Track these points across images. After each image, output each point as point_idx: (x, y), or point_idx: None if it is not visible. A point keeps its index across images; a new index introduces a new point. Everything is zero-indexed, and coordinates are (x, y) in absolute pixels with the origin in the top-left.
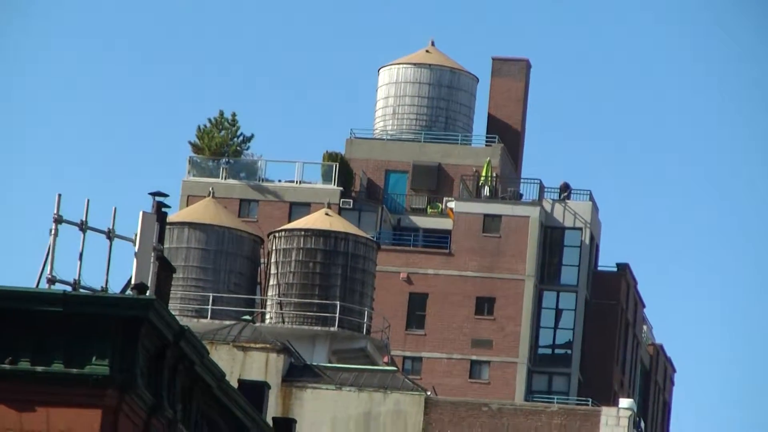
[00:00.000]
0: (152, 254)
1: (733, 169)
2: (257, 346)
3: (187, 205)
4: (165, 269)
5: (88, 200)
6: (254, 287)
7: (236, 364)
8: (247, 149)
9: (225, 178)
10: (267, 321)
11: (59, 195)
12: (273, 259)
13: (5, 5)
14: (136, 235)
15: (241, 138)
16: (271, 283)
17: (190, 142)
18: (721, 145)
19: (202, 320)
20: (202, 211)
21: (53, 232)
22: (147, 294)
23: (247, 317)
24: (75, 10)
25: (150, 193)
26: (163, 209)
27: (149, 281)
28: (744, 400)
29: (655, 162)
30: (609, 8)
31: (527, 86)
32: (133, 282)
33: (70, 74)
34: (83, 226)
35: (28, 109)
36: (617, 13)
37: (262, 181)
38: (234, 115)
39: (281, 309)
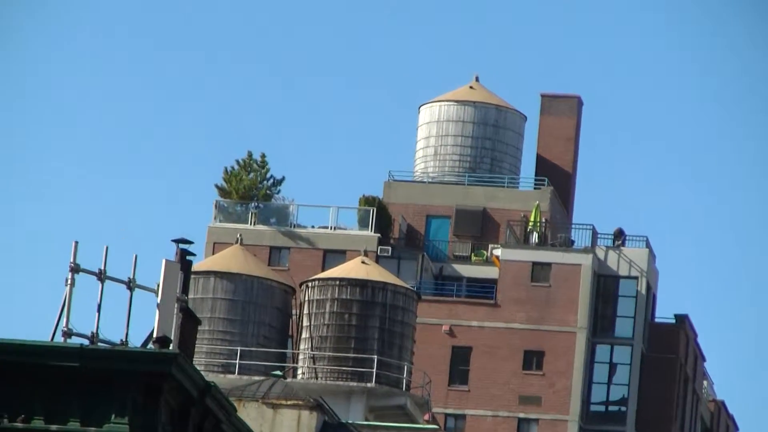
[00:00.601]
0: (176, 305)
1: None
2: (288, 403)
3: (213, 253)
4: (189, 321)
5: (107, 248)
6: (285, 340)
7: (266, 423)
8: (278, 193)
9: (254, 224)
10: (299, 376)
11: (76, 242)
12: (305, 311)
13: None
14: (158, 285)
15: (271, 181)
16: (303, 336)
17: (216, 186)
18: None
19: (229, 376)
20: (229, 259)
21: (69, 281)
22: (170, 348)
23: (278, 372)
24: (98, 44)
25: (173, 240)
26: (188, 257)
27: (172, 334)
28: None
29: (715, 205)
30: (663, 41)
31: (579, 124)
32: (155, 335)
33: (90, 111)
34: (102, 276)
35: (46, 149)
36: (672, 45)
37: (294, 227)
38: (263, 156)
39: (314, 363)
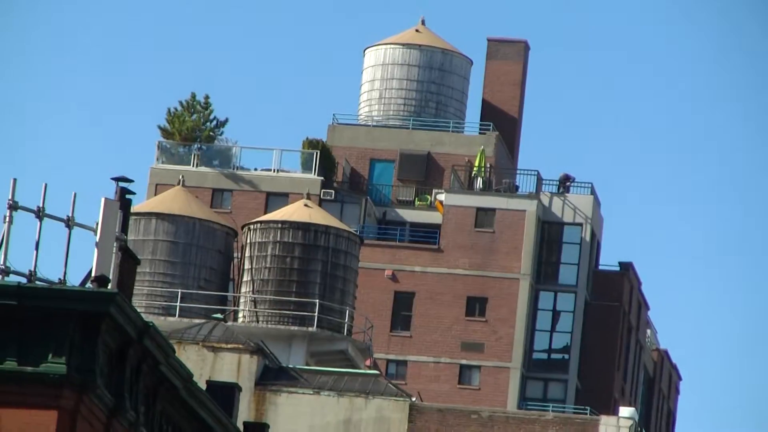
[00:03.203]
0: (115, 244)
1: (749, 162)
2: (229, 346)
3: (156, 194)
4: (128, 261)
5: (46, 185)
6: (226, 283)
7: (206, 366)
8: (221, 135)
9: (196, 166)
10: (240, 320)
11: (14, 179)
12: (247, 254)
13: None
14: (97, 224)
15: (214, 122)
16: (244, 279)
17: (159, 127)
18: (735, 136)
19: (170, 318)
20: (171, 201)
21: (7, 219)
22: (108, 287)
23: (218, 315)
24: None
25: (113, 179)
26: (128, 196)
27: (111, 274)
28: (755, 410)
29: (662, 154)
30: None
31: (525, 70)
32: (93, 274)
33: (35, 47)
34: (40, 213)
35: None
36: None
37: (237, 169)
38: (207, 97)
39: (255, 307)
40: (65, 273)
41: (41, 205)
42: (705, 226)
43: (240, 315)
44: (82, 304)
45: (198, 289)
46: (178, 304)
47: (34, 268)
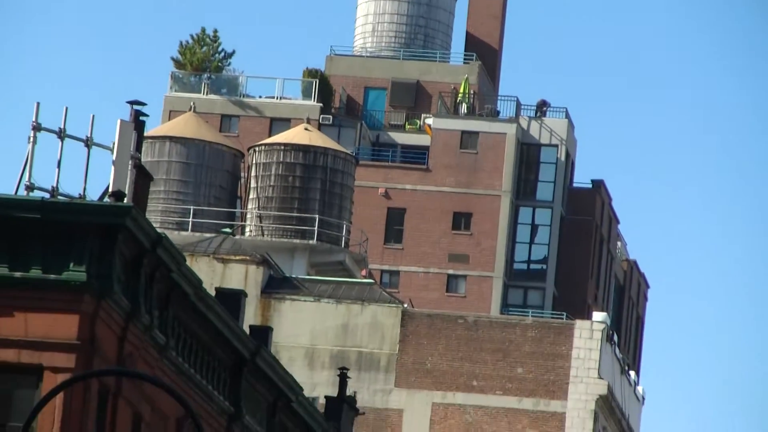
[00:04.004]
0: (130, 162)
1: (713, 82)
2: (236, 258)
3: (169, 120)
4: (142, 177)
5: (67, 108)
6: (234, 201)
7: (216, 276)
8: (229, 65)
9: (206, 94)
10: (247, 234)
11: (38, 103)
12: (253, 173)
13: None
14: (113, 144)
15: (222, 54)
16: (251, 196)
17: (172, 58)
18: (701, 65)
19: (183, 233)
20: (183, 126)
21: (32, 139)
22: (124, 201)
23: (227, 230)
24: None
25: (128, 102)
26: (141, 118)
27: (127, 189)
28: (716, 316)
29: (632, 79)
30: None
31: (505, 4)
32: (110, 189)
33: None
34: (62, 134)
35: (10, 16)
36: None
37: (243, 96)
38: (215, 31)
39: (261, 222)
40: (85, 189)
41: (62, 127)
42: (672, 143)
43: (247, 229)
44: (101, 217)
45: (208, 206)
46: (190, 219)
47: (57, 185)
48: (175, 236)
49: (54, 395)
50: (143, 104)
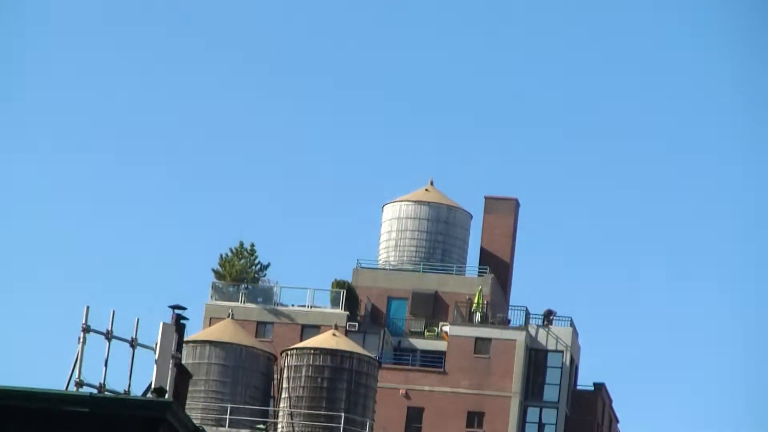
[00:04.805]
0: (171, 361)
1: (692, 285)
2: None
3: (210, 326)
4: (182, 375)
5: (114, 312)
6: (268, 399)
7: None
8: (264, 276)
9: (244, 302)
10: (279, 429)
11: (87, 307)
12: (285, 375)
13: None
14: (156, 344)
15: (258, 266)
16: (283, 396)
17: (213, 270)
18: (689, 268)
19: (221, 428)
20: (222, 331)
21: (81, 340)
22: (165, 397)
23: (261, 426)
24: (117, 124)
25: (170, 306)
26: (181, 321)
27: (167, 385)
28: None
29: (633, 294)
30: (594, 149)
31: (516, 222)
32: (153, 386)
33: (105, 192)
34: (109, 335)
35: (65, 227)
36: (602, 153)
37: (277, 305)
38: (252, 245)
39: (292, 419)
40: (129, 385)
41: (110, 329)
42: (668, 355)
43: (279, 426)
44: (144, 411)
45: (244, 404)
46: (227, 416)
47: (104, 381)
48: (214, 431)
49: None
50: (184, 308)
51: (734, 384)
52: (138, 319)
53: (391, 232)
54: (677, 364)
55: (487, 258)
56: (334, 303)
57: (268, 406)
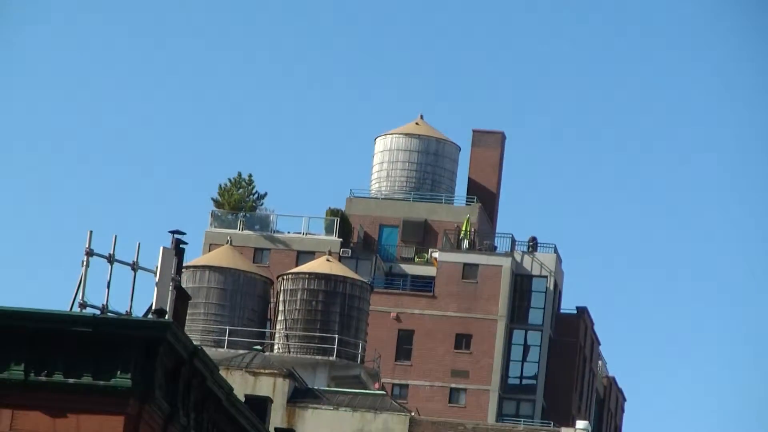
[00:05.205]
0: (170, 284)
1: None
2: (266, 372)
3: (209, 252)
4: (181, 297)
5: (116, 236)
6: (264, 322)
7: (248, 387)
8: (261, 205)
9: (242, 230)
10: (275, 350)
11: (91, 232)
12: (281, 298)
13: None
14: (156, 268)
15: (256, 195)
16: (279, 318)
17: (212, 199)
18: (670, 202)
19: (220, 349)
20: (221, 257)
21: (85, 263)
22: (165, 318)
23: (258, 347)
24: (121, 60)
25: (169, 231)
26: (181, 245)
27: (167, 307)
28: (687, 427)
29: (613, 219)
30: (577, 84)
31: (502, 154)
32: (153, 308)
33: (111, 123)
34: (111, 259)
35: (71, 156)
36: (585, 88)
37: (274, 232)
38: (250, 176)
39: (287, 341)
40: (131, 307)
41: (112, 252)
42: (649, 276)
43: (275, 347)
44: (144, 332)
45: (242, 326)
46: (226, 338)
47: (106, 303)
48: (213, 352)
49: None
50: (183, 233)
51: (707, 307)
52: (139, 244)
53: (383, 163)
54: (655, 288)
55: (474, 188)
56: (329, 230)
57: (265, 328)
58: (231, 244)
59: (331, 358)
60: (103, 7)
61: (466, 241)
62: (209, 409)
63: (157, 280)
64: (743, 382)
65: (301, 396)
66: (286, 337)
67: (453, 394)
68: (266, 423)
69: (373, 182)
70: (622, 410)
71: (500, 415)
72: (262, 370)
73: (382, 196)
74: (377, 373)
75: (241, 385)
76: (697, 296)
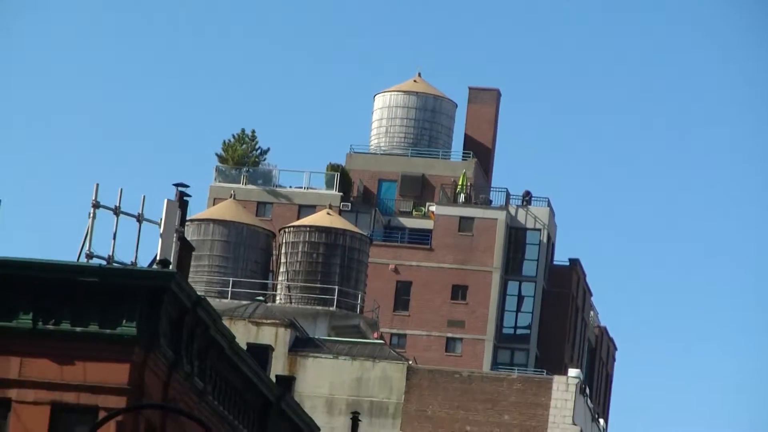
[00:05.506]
0: (174, 235)
1: (666, 162)
2: (268, 322)
3: (213, 205)
4: (185, 248)
5: (122, 189)
6: (267, 274)
7: (250, 336)
8: (264, 160)
9: (245, 184)
10: (277, 301)
11: (97, 184)
12: (283, 251)
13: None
14: (161, 220)
15: (259, 151)
16: (281, 270)
17: (216, 154)
18: (668, 152)
19: (224, 300)
20: (225, 211)
21: (92, 215)
22: (170, 268)
23: (261, 298)
24: (127, 26)
25: (174, 184)
26: (185, 198)
27: (172, 258)
28: (675, 375)
29: (606, 175)
30: (571, 42)
31: (497, 111)
32: (158, 258)
33: (117, 78)
34: (117, 211)
35: (78, 111)
36: (579, 46)
37: (276, 186)
38: (253, 131)
39: (289, 291)
40: (136, 257)
41: (118, 205)
42: (638, 229)
43: (277, 298)
44: (149, 282)
45: (245, 278)
46: (230, 289)
47: (112, 254)
48: (217, 303)
49: (106, 421)
50: (186, 186)
51: (696, 258)
52: (144, 197)
53: (382, 119)
54: (646, 241)
55: (470, 144)
56: (329, 185)
57: (267, 279)
58: (234, 198)
59: (331, 308)
60: None
61: (462, 195)
62: (212, 357)
63: (161, 232)
64: (732, 330)
65: (302, 345)
66: (288, 288)
67: (449, 344)
68: (268, 371)
69: (373, 138)
70: (613, 359)
71: (495, 364)
72: (264, 320)
73: (381, 152)
74: (376, 323)
75: (243, 334)
76: (687, 249)
